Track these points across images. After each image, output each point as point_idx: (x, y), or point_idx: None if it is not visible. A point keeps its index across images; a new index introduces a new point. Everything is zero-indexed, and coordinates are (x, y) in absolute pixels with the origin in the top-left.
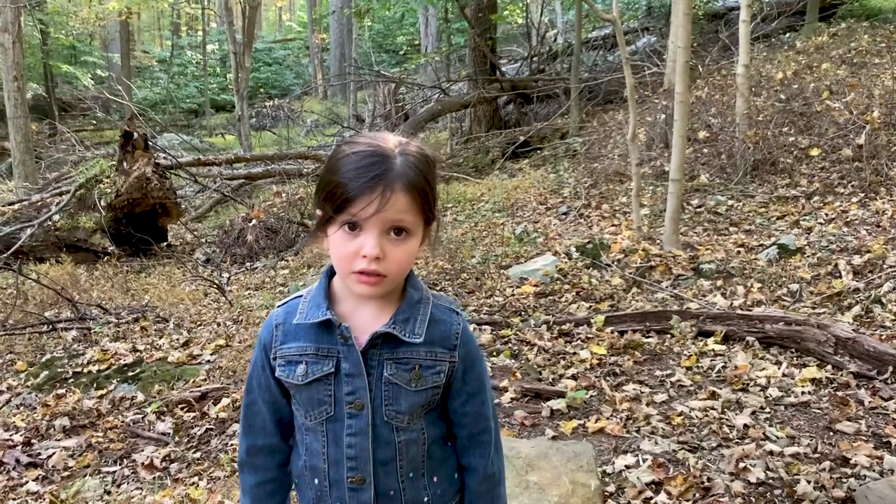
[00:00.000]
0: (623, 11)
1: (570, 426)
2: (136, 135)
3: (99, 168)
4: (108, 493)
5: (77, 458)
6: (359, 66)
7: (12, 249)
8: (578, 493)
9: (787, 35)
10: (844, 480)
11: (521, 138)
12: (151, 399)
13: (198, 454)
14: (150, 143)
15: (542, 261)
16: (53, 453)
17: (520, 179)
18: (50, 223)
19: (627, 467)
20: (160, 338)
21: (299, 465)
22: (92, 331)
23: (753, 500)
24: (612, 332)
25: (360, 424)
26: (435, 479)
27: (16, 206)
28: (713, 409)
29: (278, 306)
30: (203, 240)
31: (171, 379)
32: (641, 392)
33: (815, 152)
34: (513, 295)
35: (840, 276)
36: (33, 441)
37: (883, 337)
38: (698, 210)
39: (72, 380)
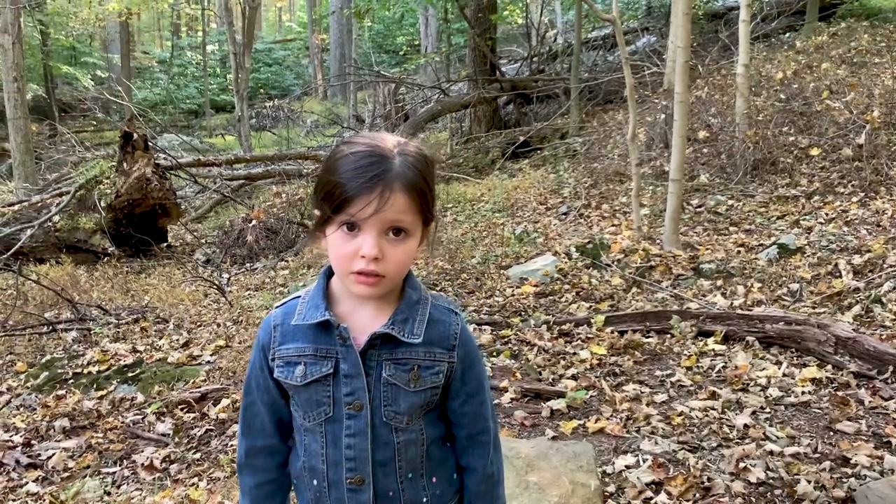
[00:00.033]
0: (623, 11)
1: (570, 426)
2: (136, 135)
3: (99, 169)
4: (108, 493)
5: (77, 458)
6: (359, 67)
7: (12, 250)
8: (578, 493)
9: (787, 35)
10: (845, 480)
11: (521, 138)
12: (151, 400)
13: (198, 455)
14: (150, 143)
15: (542, 261)
16: (53, 454)
17: (520, 179)
18: (50, 224)
19: (627, 467)
20: (160, 338)
21: (298, 467)
22: (92, 332)
23: (754, 500)
24: (612, 332)
25: (358, 425)
26: (434, 479)
27: (16, 207)
28: (713, 409)
29: (276, 307)
30: (203, 240)
31: (171, 380)
32: (641, 392)
33: (815, 152)
34: (513, 295)
35: (840, 276)
36: (33, 442)
37: (883, 336)
38: (698, 210)
39: (72, 381)
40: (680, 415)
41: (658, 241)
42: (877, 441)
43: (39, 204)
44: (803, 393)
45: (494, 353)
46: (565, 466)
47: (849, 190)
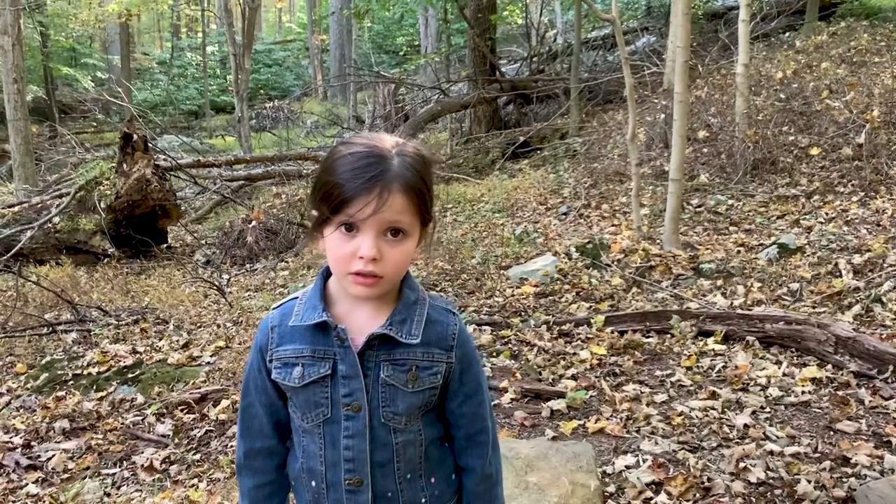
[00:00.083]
0: (622, 11)
1: (569, 426)
2: (135, 136)
3: (99, 170)
4: (108, 495)
5: (77, 460)
6: (358, 67)
7: (12, 252)
8: (578, 493)
9: (787, 34)
10: (845, 480)
11: (521, 138)
12: (151, 401)
13: (197, 456)
14: (149, 144)
15: (542, 261)
16: (53, 455)
17: (520, 180)
18: (50, 225)
19: (627, 467)
20: (160, 339)
21: (296, 468)
22: (92, 333)
23: (754, 500)
24: (612, 332)
25: (357, 426)
26: (433, 480)
27: (16, 209)
28: (713, 408)
29: (273, 308)
30: (203, 241)
31: (171, 381)
32: (641, 392)
33: (814, 151)
34: (513, 295)
35: (840, 276)
36: (33, 443)
37: (883, 336)
38: (698, 210)
39: (72, 382)
40: (680, 415)
41: (658, 240)
42: (877, 441)
43: (39, 205)
44: (803, 393)
45: (494, 354)
46: (565, 467)
47: (849, 189)
